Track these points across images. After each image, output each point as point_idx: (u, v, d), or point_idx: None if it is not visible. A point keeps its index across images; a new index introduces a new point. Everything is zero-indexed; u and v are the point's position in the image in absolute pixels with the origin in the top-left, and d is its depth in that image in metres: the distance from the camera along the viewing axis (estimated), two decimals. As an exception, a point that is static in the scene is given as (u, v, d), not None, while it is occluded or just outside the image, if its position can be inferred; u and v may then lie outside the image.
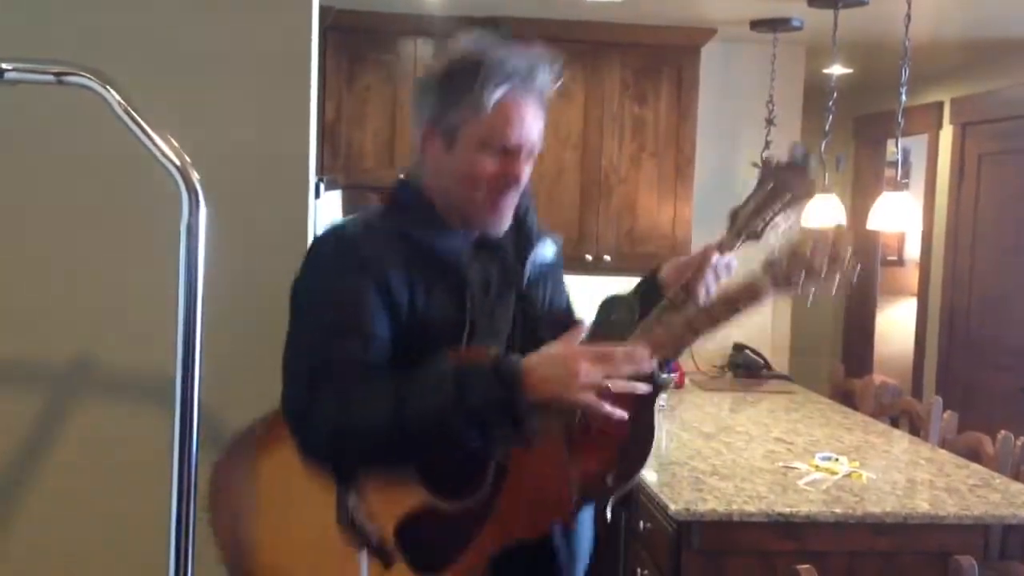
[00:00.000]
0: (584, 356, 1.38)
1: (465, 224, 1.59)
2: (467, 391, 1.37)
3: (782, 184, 1.60)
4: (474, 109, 1.51)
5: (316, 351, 1.48)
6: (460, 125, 1.54)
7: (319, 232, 1.66)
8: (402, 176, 1.69)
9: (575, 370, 1.37)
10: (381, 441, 1.42)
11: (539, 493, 1.53)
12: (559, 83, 1.61)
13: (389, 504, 1.49)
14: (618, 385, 1.38)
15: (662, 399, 1.63)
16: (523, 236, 1.67)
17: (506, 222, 1.61)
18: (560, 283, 1.78)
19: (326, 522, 1.49)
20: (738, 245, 1.61)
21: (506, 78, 1.51)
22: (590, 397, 1.37)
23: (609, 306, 1.69)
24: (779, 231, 1.62)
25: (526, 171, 1.58)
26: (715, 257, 1.62)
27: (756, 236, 1.62)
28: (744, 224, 1.61)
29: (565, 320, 1.71)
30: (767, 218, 1.61)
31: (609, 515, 1.59)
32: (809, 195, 1.61)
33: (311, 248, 1.64)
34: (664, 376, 1.60)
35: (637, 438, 1.57)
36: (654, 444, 1.61)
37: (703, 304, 1.60)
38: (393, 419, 1.40)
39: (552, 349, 1.42)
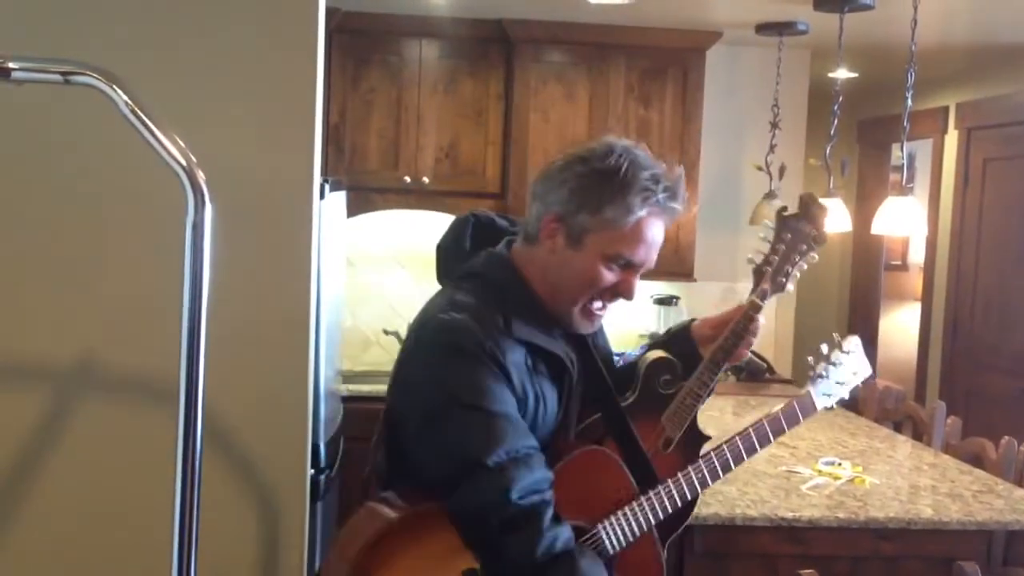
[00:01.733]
0: None
1: (555, 316, 1.61)
2: None
3: (798, 235, 1.68)
4: (612, 222, 1.53)
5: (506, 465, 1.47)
6: (592, 230, 1.54)
7: (423, 322, 1.60)
8: (492, 251, 1.67)
9: None
10: None
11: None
12: (688, 203, 1.63)
13: None
14: None
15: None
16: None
17: (594, 330, 1.68)
18: (602, 332, 1.82)
19: None
20: (767, 302, 1.70)
21: (652, 198, 1.53)
22: None
23: (657, 369, 1.73)
24: (797, 278, 1.71)
25: (635, 290, 1.61)
26: (760, 319, 1.70)
27: (782, 288, 1.71)
28: (772, 280, 1.69)
29: (610, 369, 1.79)
30: (789, 269, 1.69)
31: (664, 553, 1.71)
32: (822, 243, 1.69)
33: (425, 341, 1.57)
34: None
35: None
36: None
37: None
38: None
39: None
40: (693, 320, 1.82)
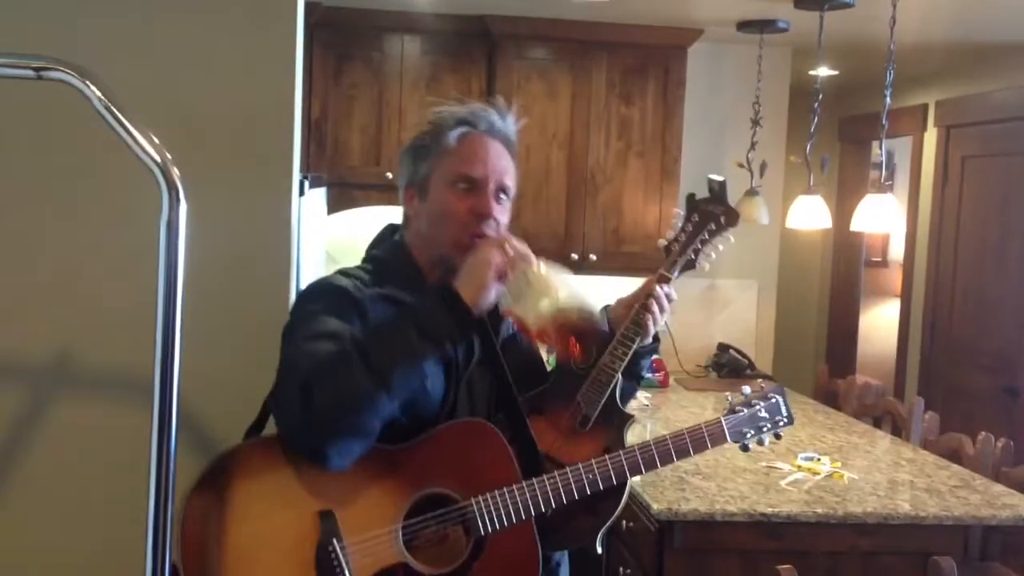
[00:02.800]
0: (492, 248, 1.55)
1: (449, 274, 1.61)
2: (424, 322, 1.49)
3: (706, 215, 1.73)
4: (438, 154, 1.64)
5: (300, 360, 1.49)
6: (430, 173, 1.66)
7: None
8: (379, 232, 1.79)
9: (483, 259, 1.53)
10: (350, 379, 1.43)
11: (511, 571, 1.57)
12: (521, 123, 1.72)
13: (369, 557, 1.49)
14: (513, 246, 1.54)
15: (638, 407, 1.77)
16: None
17: None
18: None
19: (305, 562, 1.47)
20: (676, 275, 1.73)
21: (464, 121, 1.66)
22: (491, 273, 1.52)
23: None
24: (712, 258, 1.75)
25: (499, 209, 1.65)
26: (657, 288, 1.71)
27: (692, 265, 1.74)
28: (679, 254, 1.73)
29: (538, 368, 1.81)
30: (699, 247, 1.73)
31: (599, 549, 1.68)
32: (733, 222, 1.73)
33: (300, 293, 1.69)
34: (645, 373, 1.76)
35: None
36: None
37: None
38: (360, 357, 1.44)
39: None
40: (608, 305, 1.80)
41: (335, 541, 1.47)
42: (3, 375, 1.90)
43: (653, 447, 1.65)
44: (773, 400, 1.77)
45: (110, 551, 1.79)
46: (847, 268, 6.06)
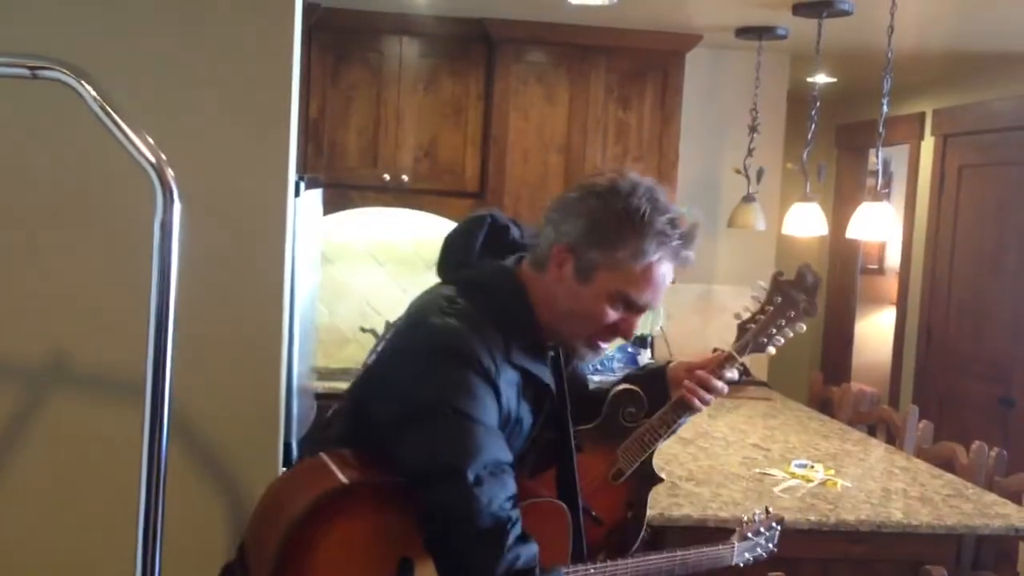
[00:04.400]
0: None
1: (555, 339, 1.61)
2: None
3: (789, 301, 1.71)
4: (623, 262, 1.52)
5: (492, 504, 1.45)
6: (602, 267, 1.53)
7: (421, 324, 1.56)
8: (503, 266, 1.65)
9: None
10: None
11: None
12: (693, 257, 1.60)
13: None
14: None
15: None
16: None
17: (598, 359, 1.75)
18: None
19: None
20: (743, 358, 1.74)
21: (666, 245, 1.52)
22: None
23: (622, 400, 1.79)
24: (780, 343, 1.75)
25: (636, 330, 1.62)
26: (733, 374, 1.73)
27: (761, 349, 1.74)
28: (753, 339, 1.73)
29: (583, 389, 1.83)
30: (772, 332, 1.72)
31: None
32: (812, 314, 1.72)
33: (420, 340, 1.54)
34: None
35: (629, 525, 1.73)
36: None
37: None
38: None
39: None
40: (670, 362, 1.84)
41: None
42: (-5, 373, 1.90)
43: (677, 559, 1.70)
44: (773, 531, 1.88)
45: (103, 548, 1.79)
46: (843, 275, 6.07)
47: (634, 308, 1.56)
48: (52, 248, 1.90)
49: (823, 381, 4.60)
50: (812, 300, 1.72)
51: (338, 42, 4.00)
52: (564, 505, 1.60)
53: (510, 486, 1.47)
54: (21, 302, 1.90)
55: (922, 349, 5.02)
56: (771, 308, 1.71)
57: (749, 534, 1.83)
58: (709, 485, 2.79)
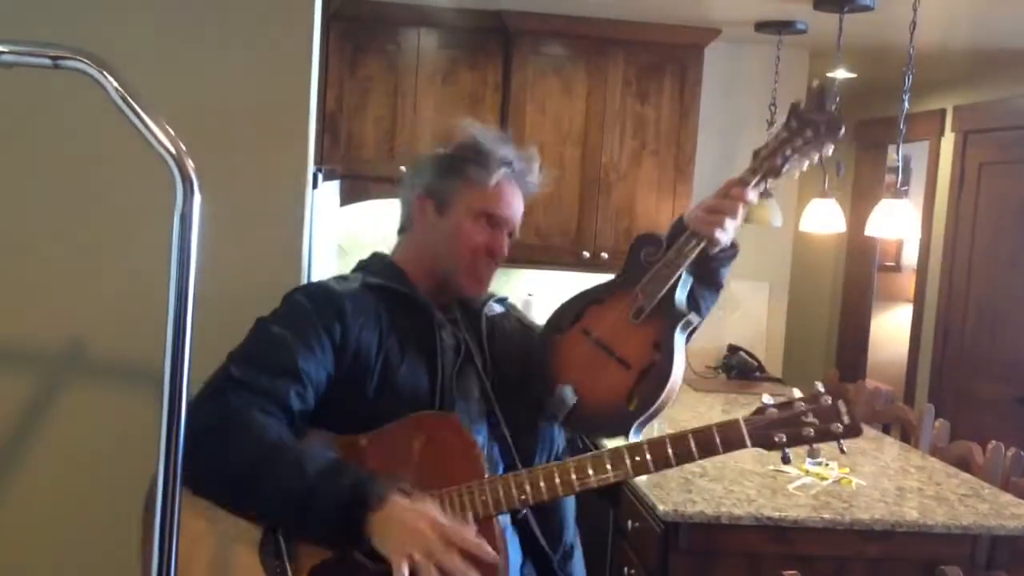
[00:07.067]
0: (432, 527, 1.37)
1: (441, 289, 1.71)
2: (319, 494, 1.39)
3: (806, 121, 1.60)
4: (474, 182, 1.67)
5: (246, 363, 1.51)
6: (456, 193, 1.69)
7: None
8: (376, 252, 1.80)
9: (415, 530, 1.36)
10: (225, 482, 1.44)
11: None
12: (542, 184, 1.77)
13: (312, 545, 1.47)
14: (445, 568, 1.35)
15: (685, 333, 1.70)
16: (471, 308, 1.77)
17: (483, 290, 1.75)
18: (518, 319, 1.86)
19: (253, 555, 1.47)
20: (756, 181, 1.64)
21: (511, 165, 1.69)
22: (404, 565, 1.35)
23: (642, 242, 1.77)
24: (804, 167, 1.64)
25: (505, 248, 1.71)
26: (748, 196, 1.64)
27: (776, 173, 1.63)
28: (764, 159, 1.62)
29: (534, 341, 1.77)
30: (787, 154, 1.61)
31: (634, 436, 1.63)
32: (835, 132, 1.60)
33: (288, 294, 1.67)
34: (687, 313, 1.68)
35: (654, 369, 1.63)
36: (677, 376, 1.66)
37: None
38: (247, 471, 1.41)
39: (420, 505, 1.40)
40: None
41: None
42: (15, 364, 1.91)
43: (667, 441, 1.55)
44: (825, 403, 1.63)
45: (118, 538, 1.80)
46: (860, 272, 6.03)
47: (497, 224, 1.69)
48: (71, 239, 1.91)
49: (838, 378, 4.58)
50: (831, 115, 1.59)
51: (356, 33, 4.00)
52: (453, 415, 1.58)
53: (282, 379, 1.49)
54: (40, 292, 1.91)
55: (939, 347, 4.99)
56: (785, 132, 1.61)
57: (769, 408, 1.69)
58: (723, 481, 2.78)
